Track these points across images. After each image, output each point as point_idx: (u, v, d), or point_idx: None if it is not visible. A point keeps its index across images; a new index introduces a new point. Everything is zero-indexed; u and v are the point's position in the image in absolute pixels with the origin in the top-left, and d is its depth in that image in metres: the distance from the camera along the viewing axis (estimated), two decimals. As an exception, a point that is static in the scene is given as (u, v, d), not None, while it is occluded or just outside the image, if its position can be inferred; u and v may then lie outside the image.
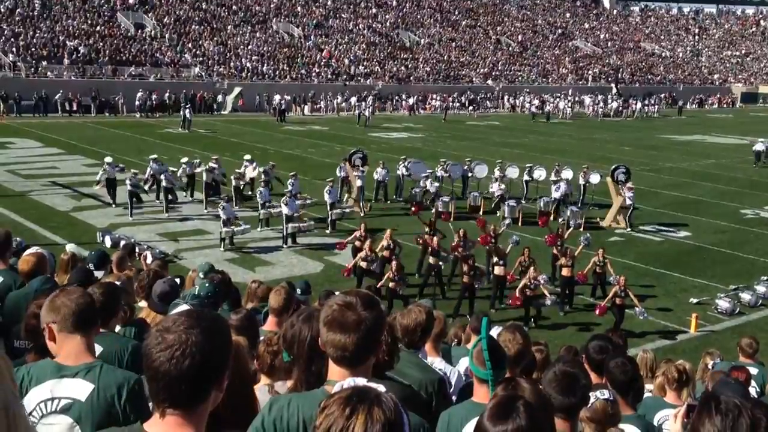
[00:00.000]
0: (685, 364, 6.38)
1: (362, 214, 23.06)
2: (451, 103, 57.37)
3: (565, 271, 16.33)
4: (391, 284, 14.98)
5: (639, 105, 64.76)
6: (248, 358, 3.69)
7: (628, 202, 23.08)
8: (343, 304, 2.59)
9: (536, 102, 59.69)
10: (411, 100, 57.94)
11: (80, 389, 2.94)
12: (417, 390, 4.06)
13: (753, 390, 7.00)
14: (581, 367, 3.54)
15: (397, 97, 58.89)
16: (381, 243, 17.06)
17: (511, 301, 15.34)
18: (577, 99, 64.95)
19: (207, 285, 5.97)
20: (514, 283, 15.93)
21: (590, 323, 15.16)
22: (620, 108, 63.74)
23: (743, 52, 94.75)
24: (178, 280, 9.21)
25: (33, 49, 48.65)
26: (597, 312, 15.07)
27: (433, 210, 21.63)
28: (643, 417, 4.88)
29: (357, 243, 17.26)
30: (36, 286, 5.16)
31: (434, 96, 60.38)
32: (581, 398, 3.35)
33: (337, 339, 2.56)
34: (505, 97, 64.42)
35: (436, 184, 24.62)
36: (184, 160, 24.29)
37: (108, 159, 23.44)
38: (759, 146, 38.06)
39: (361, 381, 2.10)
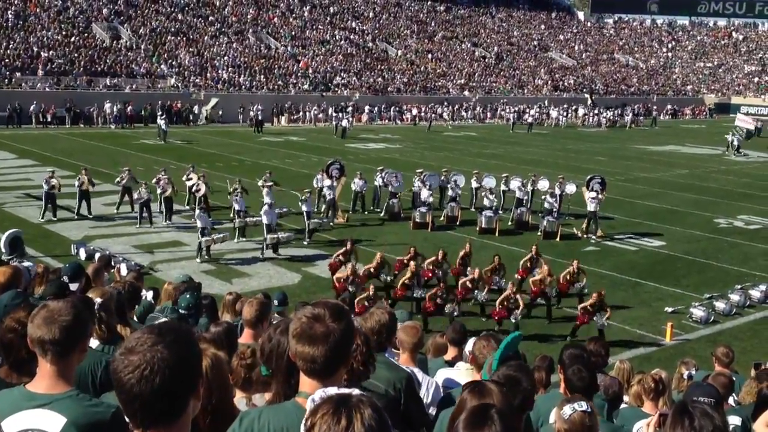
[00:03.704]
0: (661, 373, 6.42)
1: (332, 224, 23.00)
2: (431, 114, 57.70)
3: (540, 285, 16.38)
4: (365, 304, 14.81)
5: (631, 116, 66.57)
6: (227, 373, 3.67)
7: (591, 208, 23.20)
8: (311, 316, 2.58)
9: (532, 112, 61.06)
10: (414, 111, 59.09)
11: (52, 422, 2.82)
12: (386, 389, 4.12)
13: (732, 400, 7.04)
14: (525, 371, 3.59)
15: (376, 108, 58.99)
16: (369, 266, 16.92)
17: (494, 316, 15.31)
18: (564, 109, 66.08)
19: (187, 296, 5.91)
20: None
21: (568, 335, 15.23)
22: (613, 117, 65.33)
23: (715, 63, 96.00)
24: (151, 293, 9.18)
25: (7, 60, 48.16)
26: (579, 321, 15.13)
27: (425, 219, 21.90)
28: (609, 423, 4.91)
29: (341, 257, 17.21)
30: (5, 301, 5.08)
31: (411, 107, 60.70)
32: (522, 401, 3.39)
33: (306, 351, 2.55)
34: (505, 109, 65.03)
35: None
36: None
37: (50, 170, 23.45)
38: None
39: (332, 390, 2.11)
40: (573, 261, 17.22)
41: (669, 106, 78.76)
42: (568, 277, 16.66)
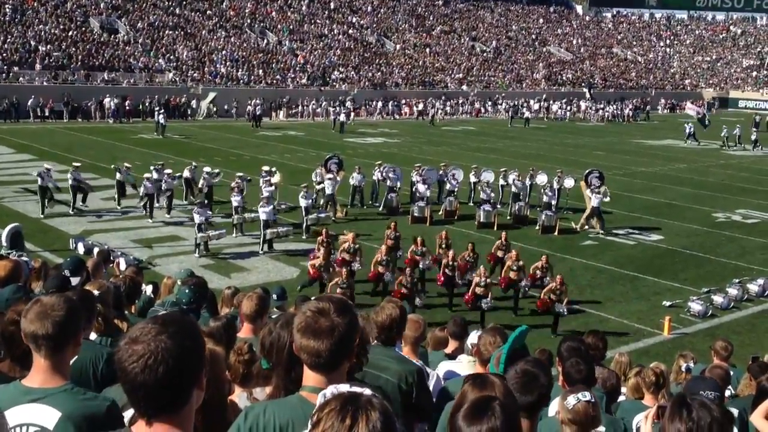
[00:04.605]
0: (661, 366, 6.45)
1: (334, 218, 23.02)
2: (431, 108, 57.61)
3: (511, 274, 16.44)
4: (338, 290, 14.72)
5: (629, 110, 66.95)
6: (224, 368, 3.66)
7: (594, 203, 23.20)
8: (316, 311, 2.59)
9: (535, 107, 61.33)
10: (420, 105, 59.01)
11: (47, 416, 2.82)
12: (398, 383, 4.15)
13: (728, 392, 7.08)
14: (543, 366, 3.58)
15: (374, 102, 58.88)
16: (342, 246, 17.09)
17: (466, 299, 15.54)
18: (564, 103, 66.28)
19: (186, 291, 5.91)
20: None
21: (566, 328, 15.26)
22: (614, 112, 65.68)
23: (714, 57, 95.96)
24: (150, 287, 9.20)
25: (4, 55, 48.05)
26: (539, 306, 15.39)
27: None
28: (607, 415, 4.94)
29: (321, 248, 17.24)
30: (7, 295, 5.09)
31: (412, 101, 60.63)
32: (539, 397, 3.39)
33: (311, 345, 2.56)
34: (502, 104, 64.77)
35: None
36: (207, 169, 24.11)
37: (47, 166, 23.30)
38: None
39: (344, 387, 2.11)
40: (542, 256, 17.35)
41: (663, 101, 78.61)
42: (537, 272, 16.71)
